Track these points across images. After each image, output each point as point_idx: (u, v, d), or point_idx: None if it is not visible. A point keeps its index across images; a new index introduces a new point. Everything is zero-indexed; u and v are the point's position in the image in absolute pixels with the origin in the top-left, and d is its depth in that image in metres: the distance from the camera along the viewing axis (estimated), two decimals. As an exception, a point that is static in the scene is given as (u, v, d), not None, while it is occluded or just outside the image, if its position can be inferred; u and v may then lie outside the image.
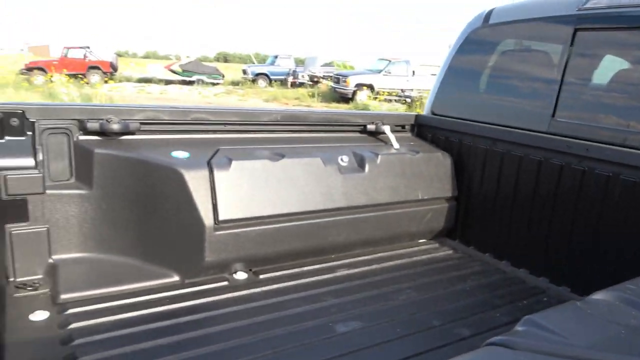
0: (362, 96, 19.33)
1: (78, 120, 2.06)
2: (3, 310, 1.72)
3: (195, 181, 2.01)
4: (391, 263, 2.46)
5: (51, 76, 17.99)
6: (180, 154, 2.09)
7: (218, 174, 2.05)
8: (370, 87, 19.84)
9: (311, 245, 2.32)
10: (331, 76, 22.51)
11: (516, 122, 2.48)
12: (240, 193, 2.10)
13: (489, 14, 2.79)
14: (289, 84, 25.67)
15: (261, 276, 2.18)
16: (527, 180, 2.39)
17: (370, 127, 2.82)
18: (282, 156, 2.25)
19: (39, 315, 1.72)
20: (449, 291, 2.21)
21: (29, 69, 21.86)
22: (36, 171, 1.95)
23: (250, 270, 2.22)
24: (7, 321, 1.68)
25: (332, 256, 2.44)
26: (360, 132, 2.86)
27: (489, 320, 1.96)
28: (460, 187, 2.76)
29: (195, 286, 2.04)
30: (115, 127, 2.05)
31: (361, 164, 2.49)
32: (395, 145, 2.74)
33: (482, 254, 2.65)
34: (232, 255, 2.10)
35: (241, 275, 2.16)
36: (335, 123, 2.74)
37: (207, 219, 2.01)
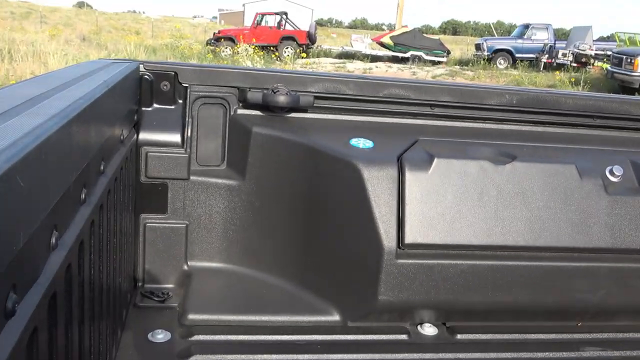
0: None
1: (239, 88, 2.15)
2: (122, 324, 1.87)
3: (377, 182, 1.92)
4: None
5: (238, 47, 20.56)
6: (361, 143, 2.04)
7: (411, 176, 1.93)
8: (674, 74, 17.59)
9: (544, 302, 2.04)
10: (608, 55, 20.75)
11: None
12: (440, 207, 1.94)
13: None
14: (542, 65, 24.56)
15: (459, 336, 2.00)
16: None
17: None
18: (513, 158, 2.03)
19: (159, 336, 1.82)
20: None
21: (217, 39, 25.46)
22: (182, 150, 2.09)
23: (444, 324, 2.06)
24: (123, 337, 1.81)
25: (578, 324, 2.11)
26: None
27: None
28: None
29: (361, 334, 1.95)
30: (281, 99, 2.09)
31: None
32: None
33: None
34: (419, 297, 1.95)
35: (429, 330, 2.02)
36: (606, 114, 2.40)
37: (388, 240, 1.91)
